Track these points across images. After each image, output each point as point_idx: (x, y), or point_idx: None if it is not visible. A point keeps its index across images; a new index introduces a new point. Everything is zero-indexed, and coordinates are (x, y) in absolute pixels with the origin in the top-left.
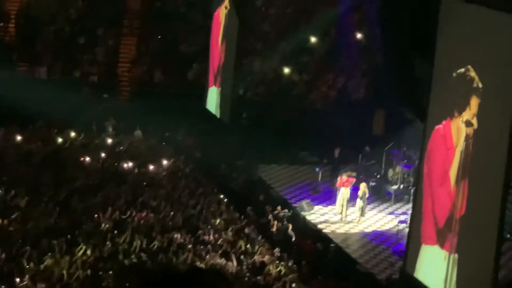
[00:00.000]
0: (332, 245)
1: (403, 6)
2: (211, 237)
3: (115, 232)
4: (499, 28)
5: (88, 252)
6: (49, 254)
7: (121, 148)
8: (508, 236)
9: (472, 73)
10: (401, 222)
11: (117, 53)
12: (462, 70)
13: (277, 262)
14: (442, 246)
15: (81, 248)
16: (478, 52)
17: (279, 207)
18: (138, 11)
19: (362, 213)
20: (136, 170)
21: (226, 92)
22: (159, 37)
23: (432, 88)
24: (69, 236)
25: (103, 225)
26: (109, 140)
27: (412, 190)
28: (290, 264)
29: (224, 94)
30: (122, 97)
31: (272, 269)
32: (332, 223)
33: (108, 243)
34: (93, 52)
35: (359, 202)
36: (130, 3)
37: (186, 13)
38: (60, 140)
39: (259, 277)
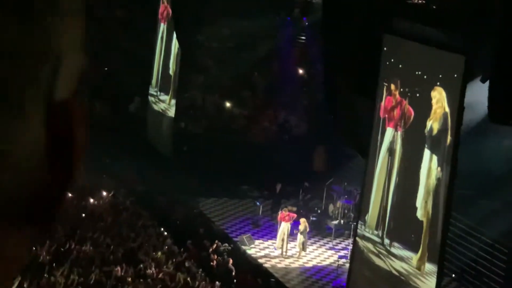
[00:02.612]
0: (273, 279)
1: (345, 44)
2: (151, 271)
3: (53, 265)
4: (431, 61)
5: (25, 285)
6: None
7: None
8: (447, 272)
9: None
10: (341, 257)
11: None
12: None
13: None
14: None
15: (18, 280)
16: (414, 84)
17: (220, 242)
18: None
19: (303, 248)
20: (75, 203)
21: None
22: (105, 68)
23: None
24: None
25: (40, 257)
26: None
27: (353, 225)
28: None
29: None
30: None
31: None
32: (272, 258)
33: (45, 275)
34: None
35: (299, 237)
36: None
37: (128, 45)
38: None
39: None
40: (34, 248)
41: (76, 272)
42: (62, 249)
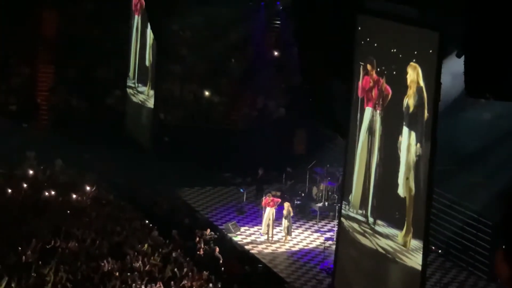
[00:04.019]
0: (260, 265)
1: (319, 26)
2: (138, 264)
3: (40, 263)
4: (406, 39)
5: (13, 284)
6: None
7: (43, 177)
8: (433, 248)
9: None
10: (327, 239)
11: (35, 82)
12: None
13: (206, 285)
14: None
15: (5, 281)
16: (390, 62)
17: (206, 230)
18: (53, 39)
19: (288, 232)
20: (59, 199)
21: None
22: (77, 63)
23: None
24: None
25: (27, 256)
26: (30, 171)
27: (337, 207)
28: (219, 286)
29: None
30: (42, 126)
31: None
32: (259, 244)
33: (33, 274)
34: (10, 81)
35: (284, 222)
36: (45, 31)
37: (102, 38)
38: None
39: None
40: (19, 248)
41: (63, 269)
42: (47, 247)
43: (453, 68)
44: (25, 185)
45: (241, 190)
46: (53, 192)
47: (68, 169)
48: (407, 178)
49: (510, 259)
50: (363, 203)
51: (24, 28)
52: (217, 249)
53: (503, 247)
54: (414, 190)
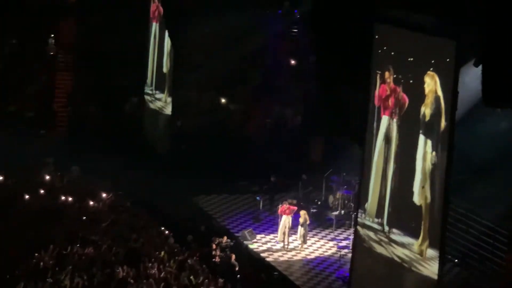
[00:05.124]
0: (276, 273)
1: (336, 34)
2: (154, 271)
3: (56, 268)
4: (423, 48)
5: None
6: None
7: (60, 184)
8: (450, 257)
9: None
10: (340, 247)
11: (53, 89)
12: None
13: None
14: None
15: (21, 286)
16: (407, 71)
17: (223, 237)
18: (72, 46)
19: (304, 240)
20: (76, 206)
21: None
22: (95, 70)
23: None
24: (8, 275)
25: (44, 261)
26: (48, 177)
27: (353, 215)
28: None
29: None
30: (59, 133)
31: None
32: (274, 251)
33: (49, 279)
34: (28, 88)
35: (300, 230)
36: (63, 38)
37: (121, 45)
38: None
39: None
40: (36, 253)
41: (79, 275)
42: (64, 252)
43: (470, 77)
44: (42, 191)
45: (258, 198)
46: (70, 199)
47: (85, 175)
48: (423, 187)
49: None
50: (379, 212)
51: (43, 36)
52: (233, 256)
53: None
54: (430, 199)
